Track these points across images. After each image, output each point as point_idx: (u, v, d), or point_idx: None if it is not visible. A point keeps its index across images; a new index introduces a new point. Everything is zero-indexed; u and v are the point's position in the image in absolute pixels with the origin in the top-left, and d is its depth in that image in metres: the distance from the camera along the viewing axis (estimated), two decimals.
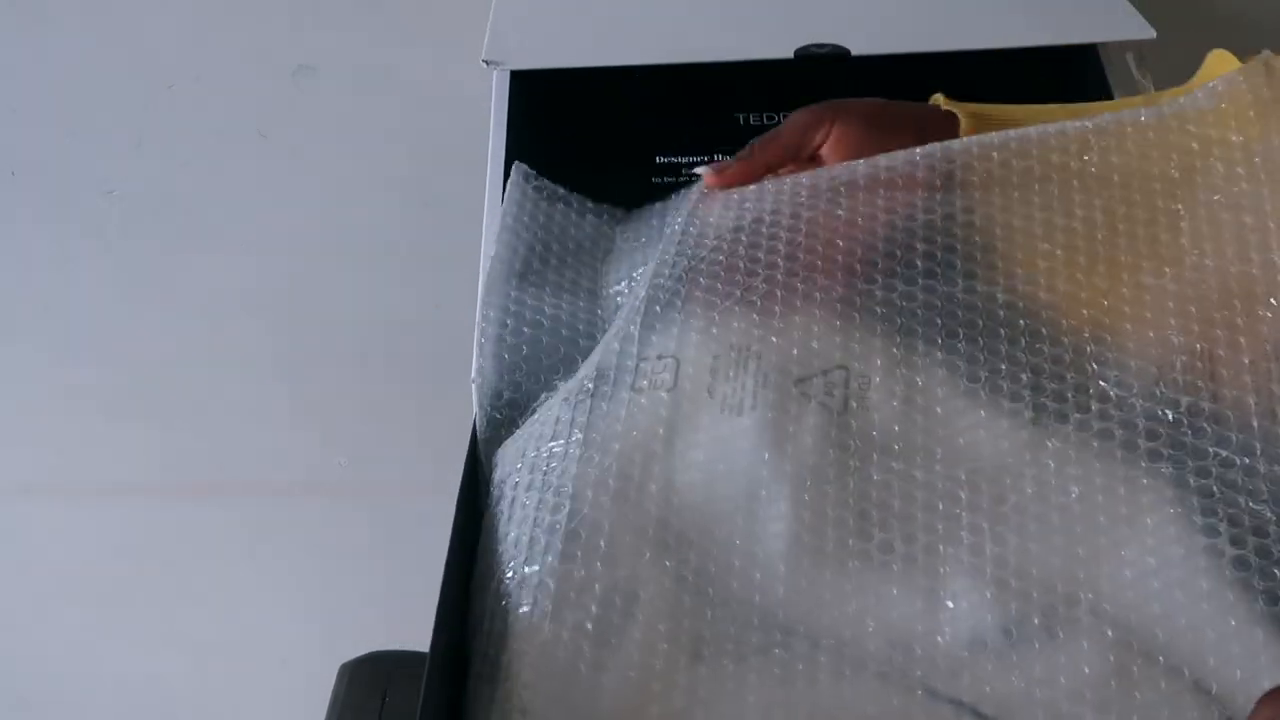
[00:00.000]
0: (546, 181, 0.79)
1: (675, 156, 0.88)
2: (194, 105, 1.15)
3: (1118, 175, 0.65)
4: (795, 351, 0.63)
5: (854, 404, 0.61)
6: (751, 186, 0.71)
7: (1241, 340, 0.61)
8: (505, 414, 0.69)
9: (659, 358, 0.64)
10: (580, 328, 0.72)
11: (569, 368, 0.70)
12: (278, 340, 1.13)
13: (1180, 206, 0.64)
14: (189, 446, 1.12)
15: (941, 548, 0.58)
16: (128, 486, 1.11)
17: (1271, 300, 0.61)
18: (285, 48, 1.16)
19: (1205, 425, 0.59)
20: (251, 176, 1.14)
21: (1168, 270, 0.63)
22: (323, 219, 1.14)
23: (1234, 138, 0.64)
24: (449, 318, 0.93)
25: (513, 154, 0.85)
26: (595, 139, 0.86)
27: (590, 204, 0.79)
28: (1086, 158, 0.67)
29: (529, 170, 0.79)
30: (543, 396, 0.68)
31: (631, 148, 0.85)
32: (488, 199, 0.81)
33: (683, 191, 0.77)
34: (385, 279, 1.11)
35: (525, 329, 0.72)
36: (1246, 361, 0.60)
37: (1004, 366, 0.62)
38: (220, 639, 1.09)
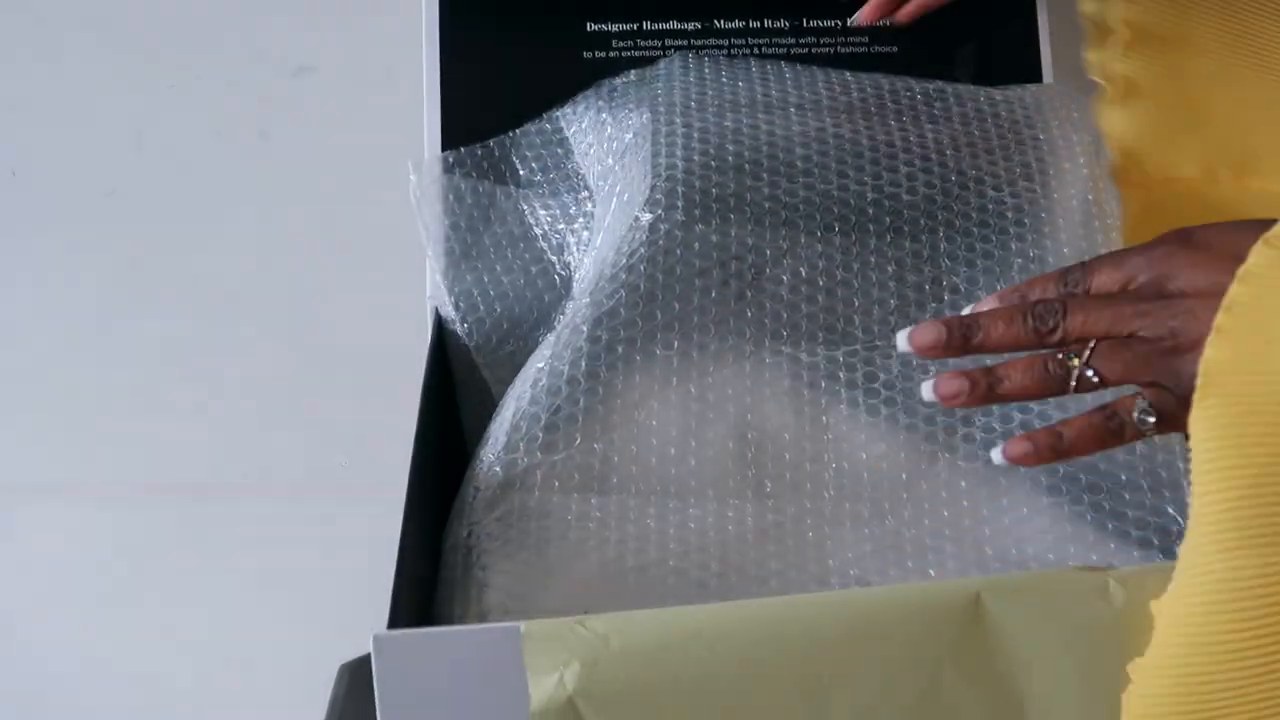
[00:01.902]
0: (445, 154, 0.88)
1: (607, 24, 0.92)
2: (194, 105, 1.15)
3: (963, 126, 0.80)
4: (697, 245, 0.73)
5: (749, 294, 0.74)
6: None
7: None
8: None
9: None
10: (540, 283, 0.83)
11: (545, 321, 0.81)
12: (277, 340, 1.13)
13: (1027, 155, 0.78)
14: (189, 446, 1.12)
15: (824, 419, 0.72)
16: (128, 486, 1.11)
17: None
18: (285, 48, 1.16)
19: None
20: (251, 176, 1.14)
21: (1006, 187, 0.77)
22: (323, 219, 1.14)
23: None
24: None
25: (447, 32, 0.87)
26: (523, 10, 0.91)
27: (492, 147, 0.87)
28: (936, 106, 0.81)
29: (418, 162, 0.86)
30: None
31: (560, 18, 0.90)
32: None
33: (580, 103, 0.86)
34: (385, 279, 1.11)
35: (481, 306, 0.80)
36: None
37: (873, 259, 0.74)
38: (220, 639, 1.09)
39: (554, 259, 0.84)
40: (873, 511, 0.71)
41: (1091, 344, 0.55)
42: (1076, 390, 0.56)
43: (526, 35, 0.95)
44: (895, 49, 0.95)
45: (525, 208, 0.86)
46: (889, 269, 0.74)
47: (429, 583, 0.71)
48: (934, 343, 0.57)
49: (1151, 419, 0.56)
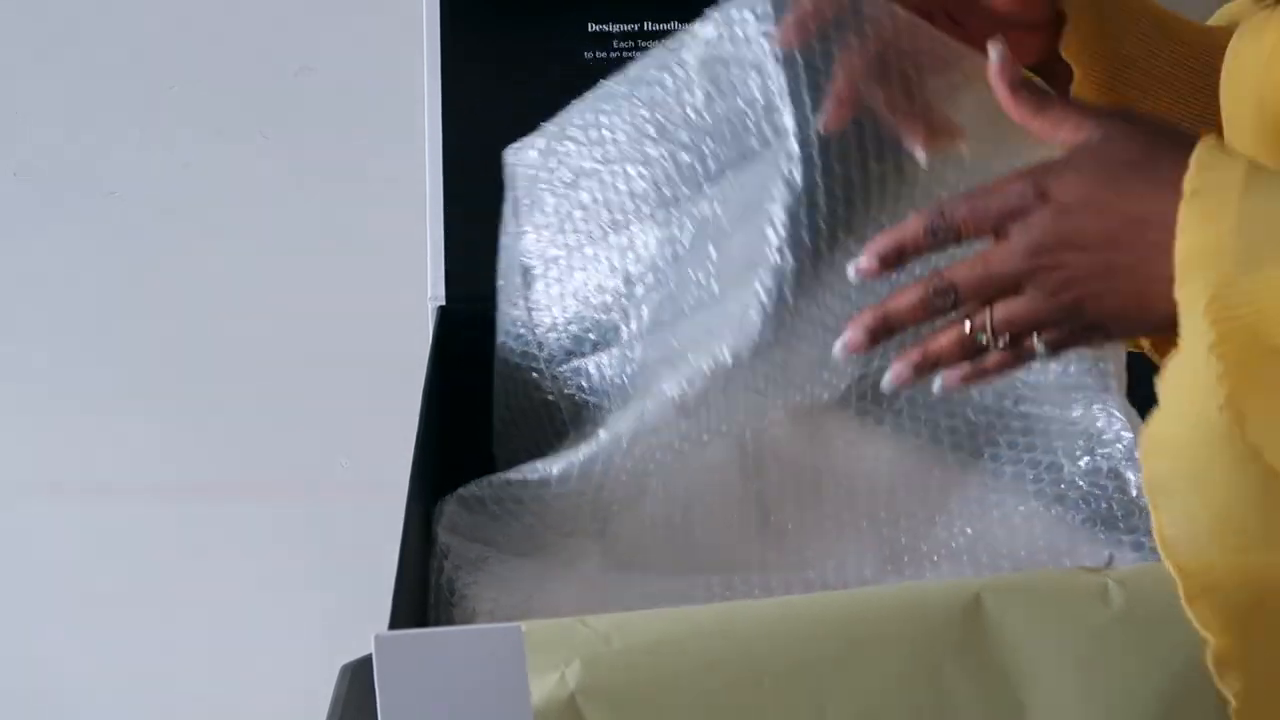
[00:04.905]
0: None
1: (608, 24, 0.91)
2: (195, 105, 1.15)
3: None
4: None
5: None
6: None
7: None
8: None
9: None
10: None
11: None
12: (278, 340, 1.13)
13: None
14: (189, 446, 1.12)
15: (825, 435, 0.71)
16: (128, 486, 1.12)
17: None
18: (285, 48, 1.16)
19: None
20: (251, 176, 1.14)
21: None
22: (323, 219, 1.14)
23: None
24: None
25: (448, 32, 0.87)
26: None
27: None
28: None
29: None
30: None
31: (561, 18, 0.89)
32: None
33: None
34: (386, 279, 1.11)
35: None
36: None
37: None
38: (220, 639, 1.09)
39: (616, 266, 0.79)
40: (870, 526, 0.71)
41: (990, 316, 0.61)
42: (993, 346, 0.63)
43: (527, 35, 0.95)
44: None
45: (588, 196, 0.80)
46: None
47: (429, 583, 0.71)
48: (862, 343, 0.64)
49: (1052, 351, 0.62)
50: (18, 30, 1.15)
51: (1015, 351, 0.63)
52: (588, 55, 0.94)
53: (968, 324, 0.62)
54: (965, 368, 0.64)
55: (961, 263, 0.61)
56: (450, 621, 0.67)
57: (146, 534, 1.11)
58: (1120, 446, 0.74)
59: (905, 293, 0.62)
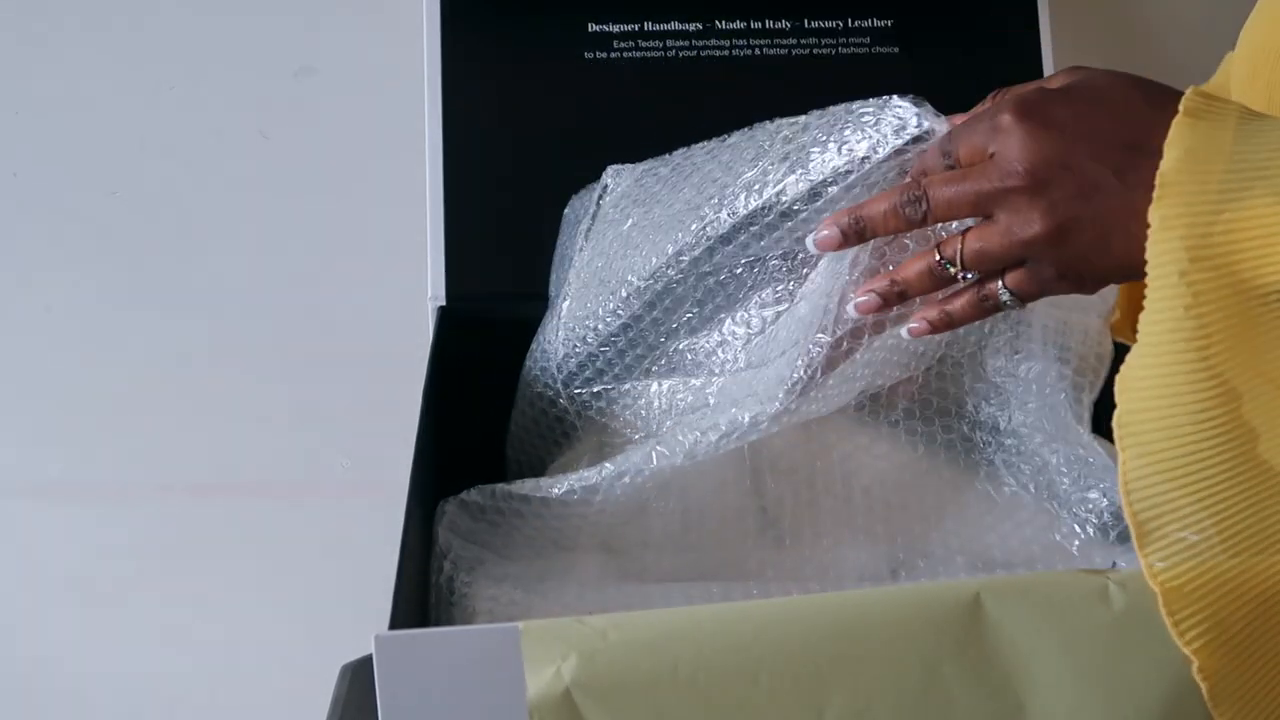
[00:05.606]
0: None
1: (608, 24, 0.91)
2: (195, 105, 1.15)
3: None
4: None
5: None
6: None
7: None
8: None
9: None
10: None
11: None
12: (278, 340, 1.13)
13: None
14: (189, 446, 1.12)
15: (830, 442, 0.72)
16: (128, 486, 1.12)
17: None
18: (285, 48, 1.16)
19: None
20: (252, 176, 1.14)
21: None
22: (323, 219, 1.14)
23: None
24: None
25: (448, 32, 0.88)
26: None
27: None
28: None
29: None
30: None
31: (561, 18, 0.89)
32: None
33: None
34: (386, 279, 1.11)
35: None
36: None
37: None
38: (220, 639, 1.09)
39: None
40: (869, 537, 0.71)
41: (961, 244, 0.60)
42: (963, 281, 0.62)
43: (527, 35, 0.95)
44: (896, 49, 0.95)
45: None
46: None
47: (429, 583, 0.72)
48: (834, 241, 0.63)
49: (1017, 298, 0.61)
50: (17, 30, 1.15)
51: (981, 294, 0.61)
52: (588, 55, 0.94)
53: (937, 253, 0.61)
54: (931, 312, 0.63)
55: (941, 174, 0.60)
56: (450, 621, 0.67)
57: (146, 534, 1.10)
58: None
59: (881, 197, 0.62)
